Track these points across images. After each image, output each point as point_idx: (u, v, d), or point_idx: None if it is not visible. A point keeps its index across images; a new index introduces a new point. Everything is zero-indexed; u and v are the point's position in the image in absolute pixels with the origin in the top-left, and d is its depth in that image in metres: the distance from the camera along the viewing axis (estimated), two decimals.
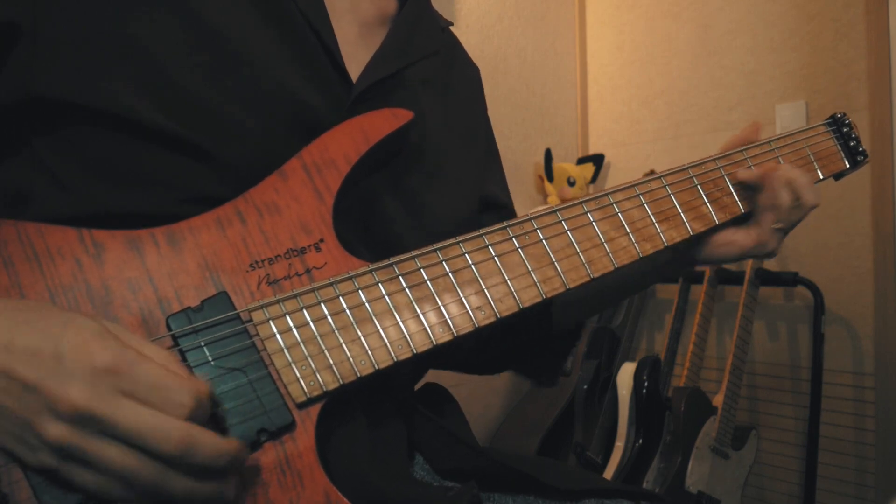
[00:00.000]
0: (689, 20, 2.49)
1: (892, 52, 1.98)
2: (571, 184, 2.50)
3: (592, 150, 2.78)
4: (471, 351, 0.96)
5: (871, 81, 2.03)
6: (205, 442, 0.49)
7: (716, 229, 0.83)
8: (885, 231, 2.01)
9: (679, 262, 0.89)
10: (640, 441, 2.02)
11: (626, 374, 2.09)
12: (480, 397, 2.38)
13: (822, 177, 0.90)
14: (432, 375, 0.97)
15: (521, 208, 0.72)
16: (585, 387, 2.18)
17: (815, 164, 0.90)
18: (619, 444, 2.05)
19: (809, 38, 2.18)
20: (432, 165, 0.82)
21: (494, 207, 0.95)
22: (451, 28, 0.96)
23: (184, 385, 0.49)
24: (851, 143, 0.93)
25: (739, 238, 0.83)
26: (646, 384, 2.01)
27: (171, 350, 0.57)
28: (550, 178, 2.53)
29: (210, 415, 0.52)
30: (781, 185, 0.80)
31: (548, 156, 2.53)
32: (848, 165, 0.93)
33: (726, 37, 2.39)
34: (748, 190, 0.84)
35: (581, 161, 2.66)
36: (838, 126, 0.93)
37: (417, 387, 0.90)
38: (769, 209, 0.81)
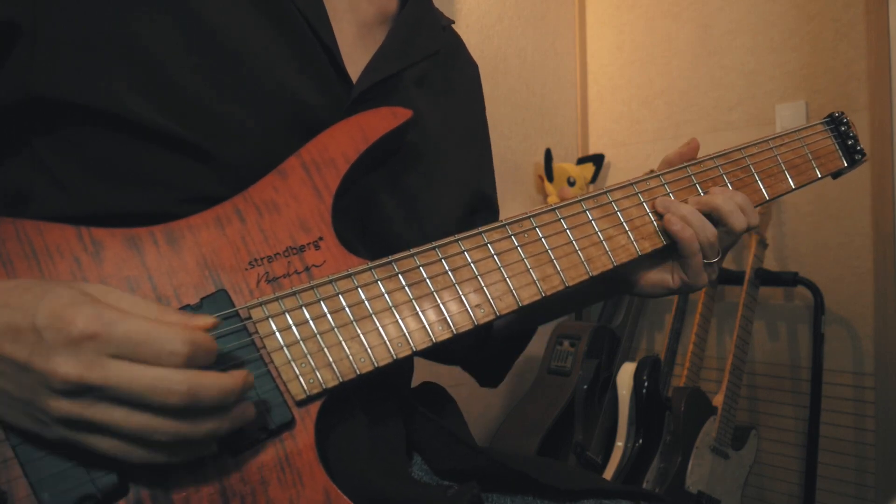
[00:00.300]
0: (689, 20, 2.49)
1: (892, 52, 1.98)
2: (571, 184, 2.50)
3: (592, 150, 2.78)
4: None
5: (871, 81, 2.03)
6: (208, 385, 0.48)
7: None
8: (885, 231, 2.01)
9: (616, 288, 0.89)
10: (640, 441, 2.02)
11: (626, 374, 2.09)
12: (480, 397, 2.38)
13: (819, 175, 0.90)
14: (432, 375, 0.98)
15: (521, 208, 0.72)
16: (585, 387, 2.18)
17: (812, 162, 0.90)
18: (619, 444, 2.04)
19: (809, 38, 2.18)
20: (431, 165, 0.82)
21: (486, 208, 0.95)
22: (451, 26, 0.96)
23: (173, 333, 0.47)
24: (849, 142, 0.93)
25: (665, 280, 0.82)
26: (646, 384, 2.01)
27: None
28: (550, 178, 2.53)
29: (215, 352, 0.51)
30: (694, 233, 0.77)
31: (548, 156, 2.53)
32: (846, 164, 0.93)
33: (726, 37, 2.39)
34: None
35: (581, 161, 2.66)
36: (836, 125, 0.94)
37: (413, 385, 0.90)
38: (692, 254, 0.78)
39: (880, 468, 2.06)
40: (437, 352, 0.98)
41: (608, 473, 1.98)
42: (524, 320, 0.97)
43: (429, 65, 0.86)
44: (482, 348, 0.98)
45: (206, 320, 0.51)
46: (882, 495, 2.04)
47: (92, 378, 0.46)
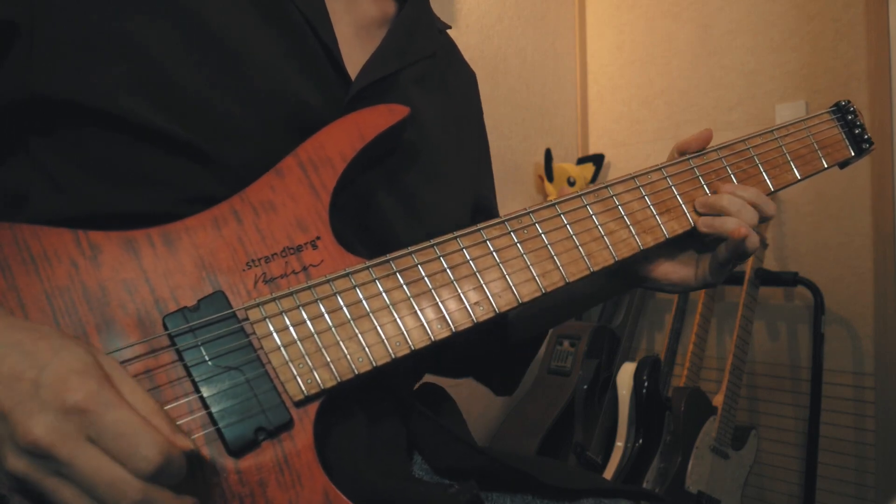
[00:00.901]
0: (689, 20, 2.49)
1: (892, 52, 1.98)
2: (571, 184, 2.50)
3: (592, 150, 2.78)
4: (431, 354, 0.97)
5: (871, 81, 2.03)
6: None
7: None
8: (885, 231, 2.01)
9: (627, 287, 0.88)
10: (640, 441, 2.01)
11: (626, 374, 2.08)
12: (480, 397, 2.38)
13: (826, 165, 0.88)
14: (431, 375, 0.97)
15: (520, 208, 0.71)
16: (585, 387, 2.18)
17: (819, 152, 0.88)
18: (619, 444, 2.04)
19: (809, 38, 2.18)
20: (429, 165, 0.82)
21: (486, 212, 0.95)
22: (452, 28, 0.96)
23: (154, 439, 0.46)
24: (856, 131, 0.91)
25: (689, 277, 0.82)
26: (646, 384, 2.01)
27: (171, 358, 0.56)
28: (550, 178, 2.53)
29: (205, 404, 0.51)
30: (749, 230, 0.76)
31: (548, 156, 2.53)
32: (853, 153, 0.91)
33: (726, 37, 2.39)
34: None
35: (581, 161, 2.65)
36: (843, 114, 0.91)
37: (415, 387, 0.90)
38: (732, 257, 0.77)
39: (880, 468, 2.05)
40: (450, 368, 0.99)
41: (608, 473, 1.98)
42: (537, 324, 0.97)
43: (426, 66, 0.86)
44: (496, 354, 0.98)
45: (187, 443, 0.49)
46: (882, 495, 2.04)
47: (61, 451, 0.44)
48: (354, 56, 0.78)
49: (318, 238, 0.63)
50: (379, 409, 0.74)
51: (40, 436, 0.44)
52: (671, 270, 0.82)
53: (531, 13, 2.60)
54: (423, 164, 0.81)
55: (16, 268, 0.56)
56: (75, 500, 0.46)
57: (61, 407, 0.45)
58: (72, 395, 0.45)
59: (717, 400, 2.03)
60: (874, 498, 2.07)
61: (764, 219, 0.79)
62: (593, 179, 2.61)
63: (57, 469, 0.45)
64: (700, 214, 0.79)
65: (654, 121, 2.61)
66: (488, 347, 0.97)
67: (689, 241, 0.82)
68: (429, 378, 0.95)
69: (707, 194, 0.80)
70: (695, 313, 2.15)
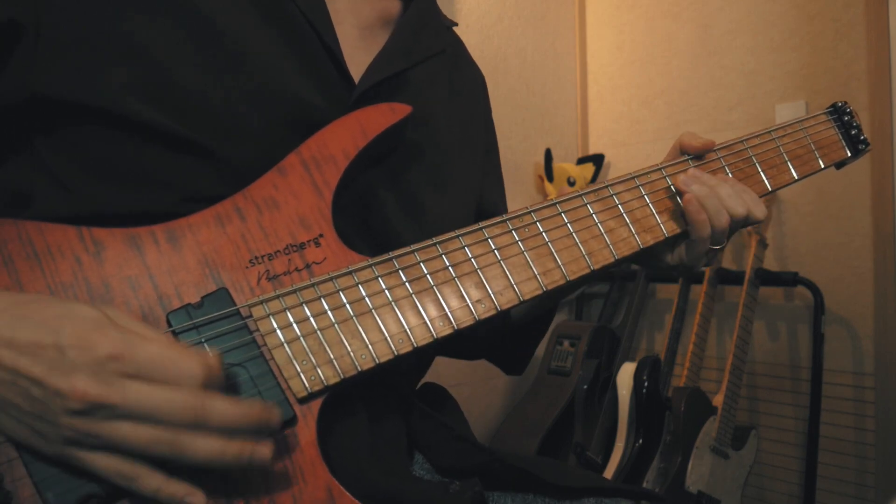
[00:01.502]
0: (689, 20, 2.49)
1: (892, 52, 1.98)
2: (571, 184, 2.50)
3: (592, 150, 2.78)
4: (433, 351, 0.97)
5: (871, 81, 2.04)
6: (218, 406, 0.49)
7: None
8: (885, 231, 2.01)
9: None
10: (640, 441, 2.02)
11: (626, 374, 2.09)
12: (480, 397, 2.38)
13: (822, 166, 0.89)
14: (433, 375, 0.97)
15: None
16: (585, 387, 2.18)
17: (816, 153, 0.89)
18: (619, 444, 2.04)
19: (809, 38, 2.18)
20: (432, 165, 0.82)
21: (493, 214, 0.95)
22: (453, 29, 0.96)
23: (190, 357, 0.49)
24: (853, 132, 0.92)
25: (665, 254, 0.82)
26: (646, 384, 2.01)
27: None
28: (550, 178, 2.54)
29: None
30: (707, 219, 0.76)
31: (548, 156, 2.53)
32: (849, 154, 0.92)
33: (726, 37, 2.39)
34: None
35: (581, 161, 2.66)
36: (839, 115, 0.92)
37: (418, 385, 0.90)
38: (701, 241, 0.77)
39: (880, 468, 2.06)
40: (460, 349, 0.99)
41: (608, 473, 1.98)
42: (540, 303, 0.97)
43: (434, 65, 0.86)
44: (505, 334, 0.98)
45: (214, 358, 0.52)
46: (882, 495, 2.04)
47: (110, 396, 0.47)
48: (359, 57, 0.77)
49: (320, 235, 0.64)
50: (381, 407, 0.74)
51: (85, 390, 0.46)
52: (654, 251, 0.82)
53: (531, 13, 2.60)
54: (427, 165, 0.81)
55: (19, 264, 0.56)
56: (137, 431, 0.48)
57: (93, 360, 0.47)
58: (100, 347, 0.47)
59: (717, 400, 2.04)
60: (874, 498, 2.07)
61: (749, 220, 0.79)
62: (593, 179, 2.61)
63: (111, 413, 0.47)
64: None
65: (654, 121, 2.61)
66: (497, 327, 0.97)
67: None
68: (431, 377, 0.95)
69: None
70: (695, 313, 2.15)
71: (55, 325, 0.48)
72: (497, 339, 0.99)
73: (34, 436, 0.49)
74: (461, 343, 0.98)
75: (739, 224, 0.78)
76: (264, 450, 0.52)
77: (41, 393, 0.47)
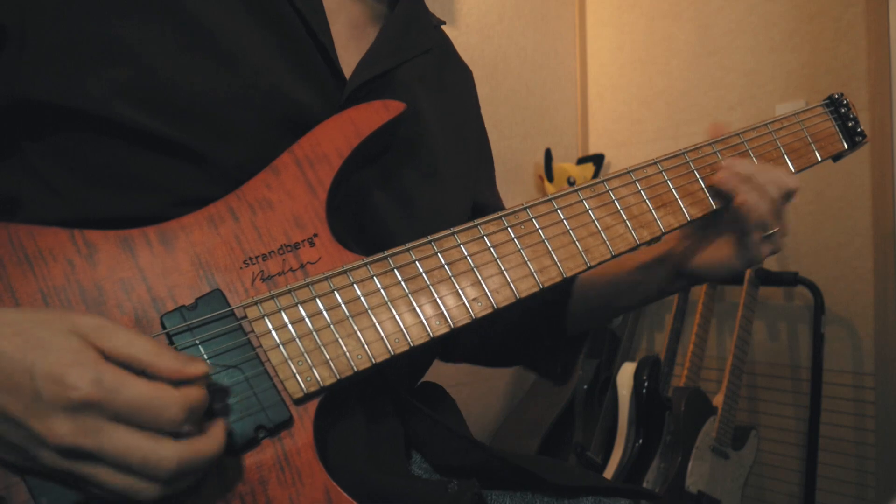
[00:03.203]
0: (689, 20, 2.49)
1: (892, 52, 1.98)
2: (571, 184, 2.50)
3: (592, 150, 2.78)
4: (482, 340, 0.97)
5: (871, 81, 2.03)
6: (196, 459, 0.49)
7: (714, 215, 0.81)
8: (885, 231, 2.01)
9: (680, 279, 0.88)
10: (640, 441, 2.01)
11: (626, 374, 2.09)
12: (480, 397, 2.38)
13: (819, 159, 0.88)
14: (432, 375, 0.97)
15: None
16: (585, 387, 2.18)
17: (812, 145, 0.88)
18: (619, 444, 2.04)
19: (809, 38, 2.18)
20: (425, 163, 0.81)
21: (488, 211, 0.95)
22: (451, 28, 0.96)
23: (172, 399, 0.47)
24: (850, 124, 0.91)
25: (731, 260, 0.81)
26: (646, 384, 2.01)
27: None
28: (550, 178, 2.53)
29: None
30: (759, 197, 0.77)
31: (548, 156, 2.53)
32: (846, 146, 0.91)
33: (726, 37, 2.39)
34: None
35: (581, 161, 2.65)
36: (836, 107, 0.91)
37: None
38: (754, 226, 0.78)
39: (880, 468, 2.05)
40: (494, 355, 1.00)
41: (608, 473, 1.98)
42: (600, 317, 0.97)
43: (423, 62, 0.86)
44: (553, 347, 0.98)
45: (199, 367, 0.50)
46: (882, 495, 2.04)
47: (87, 444, 0.46)
48: (349, 55, 0.77)
49: (315, 235, 0.63)
50: (378, 406, 0.74)
51: (63, 435, 0.45)
52: (714, 256, 0.82)
53: (531, 13, 2.60)
54: (420, 163, 0.81)
55: (11, 267, 0.55)
56: (117, 480, 0.47)
57: (69, 406, 0.45)
58: (74, 392, 0.45)
59: (717, 400, 2.03)
60: (874, 498, 2.07)
61: (788, 195, 0.79)
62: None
63: (90, 457, 0.46)
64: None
65: (654, 121, 2.61)
66: (545, 337, 0.97)
67: (715, 229, 0.82)
68: (430, 377, 0.95)
69: (703, 188, 0.80)
70: (695, 313, 2.15)
71: (30, 363, 0.46)
72: (547, 348, 0.99)
73: (23, 461, 0.49)
74: (495, 347, 0.98)
75: (784, 199, 0.79)
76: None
77: (21, 432, 0.46)
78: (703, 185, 0.80)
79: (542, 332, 0.96)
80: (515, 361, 1.03)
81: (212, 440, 0.50)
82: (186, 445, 0.48)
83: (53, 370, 0.45)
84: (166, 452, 0.47)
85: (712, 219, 0.81)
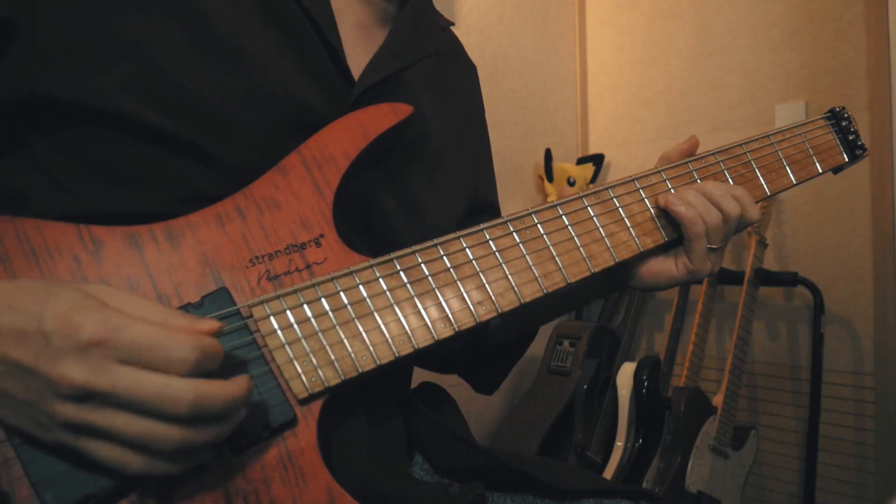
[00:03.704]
0: (689, 20, 2.49)
1: (892, 52, 1.98)
2: (571, 184, 2.50)
3: (592, 150, 2.78)
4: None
5: (871, 81, 2.04)
6: (214, 395, 0.48)
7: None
8: (885, 231, 2.01)
9: (618, 284, 0.87)
10: (640, 441, 2.02)
11: (626, 374, 2.09)
12: (480, 397, 2.38)
13: (820, 171, 0.90)
14: (432, 375, 0.97)
15: (520, 208, 0.71)
16: (585, 387, 2.18)
17: (813, 157, 0.89)
18: (619, 444, 2.04)
19: (809, 38, 2.18)
20: (431, 165, 0.81)
21: (487, 210, 0.95)
22: (451, 28, 0.96)
23: (182, 339, 0.47)
24: (850, 137, 0.92)
25: (669, 269, 0.80)
26: (646, 384, 2.01)
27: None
28: (550, 178, 2.53)
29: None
30: (699, 213, 0.75)
31: (548, 156, 2.53)
32: (847, 159, 0.93)
33: (726, 37, 2.39)
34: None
35: (581, 161, 2.65)
36: (837, 120, 0.93)
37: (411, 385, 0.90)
38: (696, 237, 0.76)
39: (880, 468, 2.06)
40: (435, 361, 0.98)
41: (608, 473, 1.98)
42: (523, 322, 0.96)
43: (430, 65, 0.86)
44: (480, 352, 0.97)
45: (213, 324, 0.50)
46: (882, 495, 2.04)
47: (99, 384, 0.45)
48: (357, 56, 0.77)
49: (321, 236, 0.63)
50: (380, 408, 0.74)
51: (74, 377, 0.45)
52: (654, 267, 0.81)
53: (531, 13, 2.60)
54: (426, 165, 0.81)
55: (17, 262, 0.55)
56: (131, 424, 0.47)
57: (77, 346, 0.45)
58: (82, 332, 0.45)
59: (717, 400, 2.04)
60: (874, 498, 2.07)
61: (743, 223, 0.78)
62: (593, 179, 2.61)
63: (104, 401, 0.46)
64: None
65: (654, 121, 2.61)
66: (472, 345, 0.96)
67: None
68: (430, 377, 0.95)
69: None
70: (695, 313, 2.15)
71: (37, 310, 0.47)
72: (473, 355, 0.98)
73: (32, 424, 0.49)
74: (438, 355, 0.97)
75: (734, 223, 0.77)
76: (244, 412, 0.52)
77: (34, 380, 0.46)
78: None
79: (466, 341, 0.95)
80: (451, 369, 1.02)
81: (234, 384, 0.50)
82: (204, 382, 0.48)
83: (61, 313, 0.46)
84: (182, 385, 0.47)
85: None
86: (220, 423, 0.50)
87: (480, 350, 0.97)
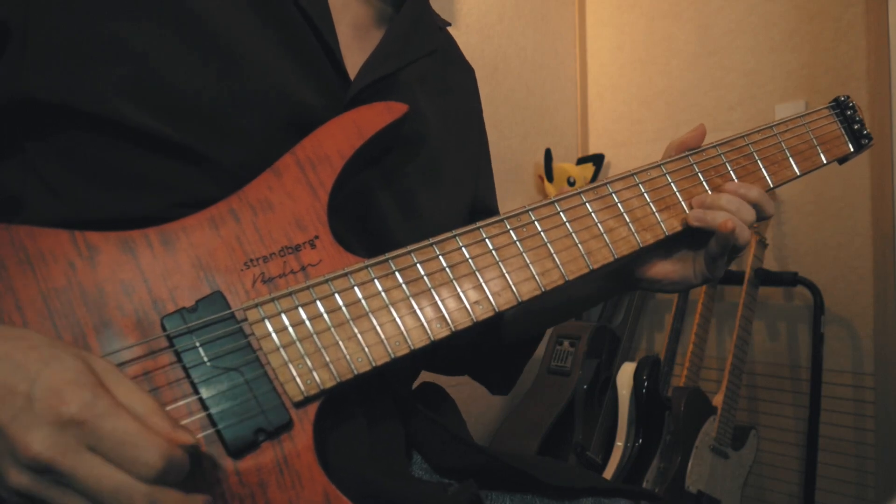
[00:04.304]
0: (689, 20, 2.49)
1: (892, 52, 1.98)
2: (571, 184, 2.50)
3: (592, 150, 2.78)
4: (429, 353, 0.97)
5: (871, 81, 2.03)
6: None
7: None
8: (885, 231, 2.01)
9: (624, 288, 0.87)
10: (640, 441, 2.01)
11: (626, 374, 2.09)
12: (480, 397, 2.38)
13: (825, 161, 0.88)
14: (432, 375, 0.97)
15: None
16: (585, 387, 2.18)
17: (818, 148, 0.87)
18: (619, 444, 2.04)
19: (809, 38, 2.18)
20: (427, 165, 0.81)
21: (486, 212, 0.95)
22: (451, 28, 0.96)
23: (154, 444, 0.46)
24: (855, 127, 0.90)
25: (688, 274, 0.80)
26: (646, 384, 2.01)
27: (170, 359, 0.56)
28: (550, 178, 2.53)
29: (204, 406, 0.51)
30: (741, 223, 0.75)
31: (548, 156, 2.53)
32: (852, 149, 0.90)
33: (726, 37, 2.39)
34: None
35: (581, 161, 2.65)
36: (842, 109, 0.91)
37: (413, 386, 0.90)
38: (723, 251, 0.76)
39: (880, 468, 2.05)
40: (446, 365, 0.99)
41: (608, 473, 1.98)
42: (533, 324, 0.96)
43: (427, 64, 0.86)
44: (495, 352, 0.97)
45: (188, 437, 0.48)
46: (882, 495, 2.04)
47: (63, 464, 0.44)
48: (354, 57, 0.77)
49: (316, 237, 0.63)
50: (378, 409, 0.74)
51: (39, 451, 0.44)
52: (670, 269, 0.81)
53: (531, 13, 2.60)
54: (422, 165, 0.81)
55: (12, 269, 0.55)
56: None
57: (57, 420, 0.44)
58: (66, 407, 0.44)
59: (717, 400, 2.03)
60: (874, 498, 2.07)
61: (762, 218, 0.79)
62: (593, 179, 2.61)
63: (60, 480, 0.45)
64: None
65: (654, 121, 2.61)
66: (484, 346, 0.97)
67: (684, 240, 0.81)
68: (429, 378, 0.95)
69: (707, 191, 0.79)
70: (695, 313, 2.15)
71: (33, 372, 0.46)
72: (485, 356, 0.99)
73: None
74: (445, 358, 0.98)
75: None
76: None
77: (1, 440, 0.45)
78: (708, 189, 0.79)
79: (480, 339, 0.96)
80: (463, 371, 1.02)
81: (190, 500, 0.48)
82: (161, 491, 0.46)
83: (53, 383, 0.45)
84: (140, 488, 0.45)
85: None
86: None
87: (496, 350, 0.97)
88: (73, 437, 0.45)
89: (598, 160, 2.62)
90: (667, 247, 0.81)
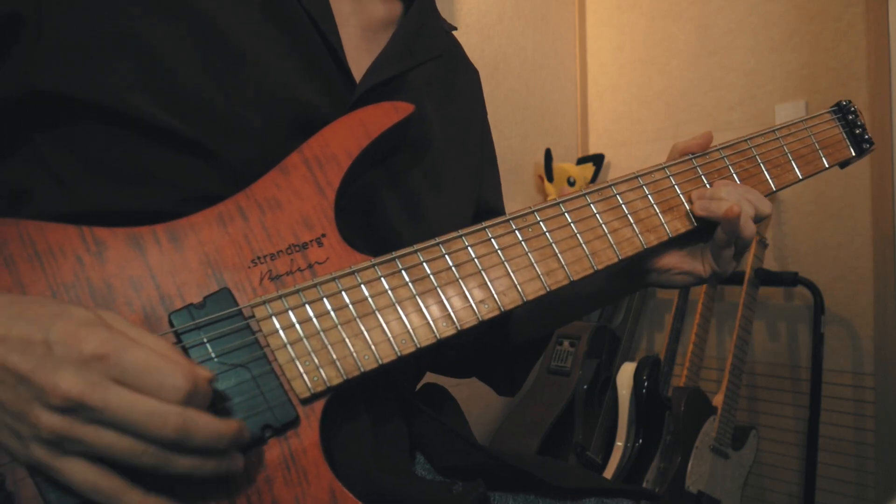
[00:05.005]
0: (689, 20, 2.49)
1: (892, 52, 1.98)
2: (571, 184, 2.50)
3: (592, 150, 2.78)
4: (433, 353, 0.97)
5: (871, 81, 2.04)
6: (202, 426, 0.48)
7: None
8: (885, 231, 2.01)
9: (633, 285, 0.88)
10: (640, 441, 2.02)
11: (626, 374, 2.09)
12: (481, 397, 2.38)
13: (827, 165, 0.88)
14: (433, 375, 0.97)
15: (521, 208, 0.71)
16: (585, 387, 2.18)
17: (820, 152, 0.88)
18: (619, 444, 2.05)
19: (809, 38, 2.18)
20: (432, 167, 0.82)
21: (491, 214, 0.95)
22: (452, 33, 0.96)
23: (178, 368, 0.48)
24: (857, 131, 0.91)
25: (697, 267, 0.81)
26: (646, 384, 2.01)
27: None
28: (550, 178, 2.54)
29: (211, 401, 0.52)
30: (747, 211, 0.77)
31: (548, 156, 2.53)
32: (854, 153, 0.91)
33: (726, 37, 2.39)
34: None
35: (581, 161, 2.66)
36: (843, 114, 0.91)
37: (417, 387, 0.90)
38: (730, 240, 0.77)
39: (880, 468, 2.06)
40: (453, 367, 0.99)
41: (608, 473, 1.99)
42: (541, 325, 0.97)
43: (433, 68, 0.86)
44: (502, 354, 0.98)
45: (207, 372, 0.50)
46: (882, 495, 2.04)
47: (93, 398, 0.46)
48: (361, 59, 0.77)
49: (323, 235, 0.63)
50: (383, 408, 0.74)
51: (68, 388, 0.45)
52: (678, 260, 0.82)
53: (531, 13, 2.60)
54: (427, 166, 0.81)
55: (21, 264, 0.55)
56: (118, 441, 0.47)
57: (79, 358, 0.46)
58: (86, 345, 0.46)
59: (717, 400, 2.04)
60: (874, 498, 2.07)
61: (758, 217, 0.79)
62: (593, 179, 2.61)
63: (91, 416, 0.46)
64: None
65: (654, 121, 2.61)
66: (491, 347, 0.97)
67: (693, 237, 0.82)
68: (431, 378, 0.95)
69: None
70: (695, 313, 2.15)
71: (47, 322, 0.47)
72: (493, 358, 0.99)
73: (11, 437, 0.48)
74: (451, 359, 0.98)
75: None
76: (238, 462, 0.52)
77: (27, 389, 0.46)
78: None
79: (486, 340, 0.96)
80: (470, 373, 1.02)
81: (223, 422, 0.50)
82: (193, 411, 0.48)
83: (69, 327, 0.47)
84: (171, 409, 0.47)
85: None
86: (203, 457, 0.50)
87: (504, 351, 0.97)
88: (97, 372, 0.47)
89: (598, 160, 2.63)
90: (677, 245, 0.82)
